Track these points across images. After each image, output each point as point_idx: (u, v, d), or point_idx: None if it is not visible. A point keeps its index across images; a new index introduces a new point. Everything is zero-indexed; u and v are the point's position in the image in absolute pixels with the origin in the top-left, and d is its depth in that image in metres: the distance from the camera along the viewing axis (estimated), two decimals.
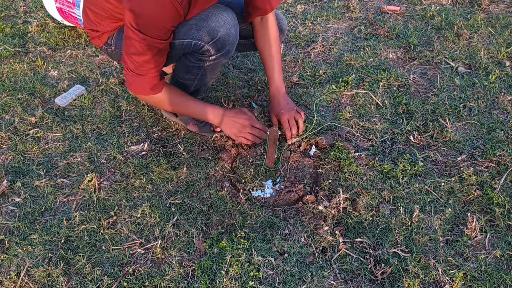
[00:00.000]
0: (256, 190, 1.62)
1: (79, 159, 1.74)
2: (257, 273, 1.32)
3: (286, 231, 1.46)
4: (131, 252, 1.41)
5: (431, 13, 2.60)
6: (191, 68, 1.61)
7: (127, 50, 1.43)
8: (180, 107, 1.63)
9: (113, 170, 1.69)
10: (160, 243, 1.42)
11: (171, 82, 1.77)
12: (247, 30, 1.78)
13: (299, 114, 1.77)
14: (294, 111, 1.77)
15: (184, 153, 1.75)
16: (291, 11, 2.74)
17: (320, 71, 2.16)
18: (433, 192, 1.56)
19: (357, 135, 1.81)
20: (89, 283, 1.32)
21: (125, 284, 1.31)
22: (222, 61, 1.60)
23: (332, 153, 1.69)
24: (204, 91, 1.81)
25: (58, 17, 2.46)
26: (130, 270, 1.35)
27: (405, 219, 1.46)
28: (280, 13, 1.86)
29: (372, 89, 2.04)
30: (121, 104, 2.00)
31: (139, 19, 1.33)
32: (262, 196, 1.60)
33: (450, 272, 1.32)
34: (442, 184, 1.58)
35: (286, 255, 1.39)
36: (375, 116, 1.90)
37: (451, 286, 1.28)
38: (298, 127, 1.76)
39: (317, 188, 1.60)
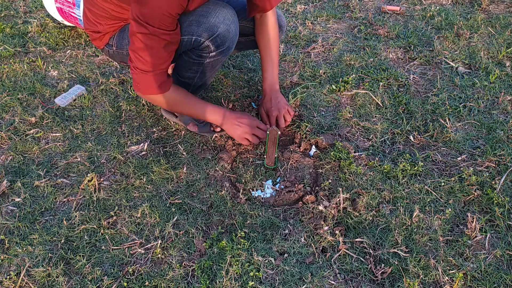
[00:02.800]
0: (256, 190, 1.62)
1: (79, 159, 1.74)
2: (257, 273, 1.32)
3: (286, 231, 1.46)
4: (131, 252, 1.41)
5: (431, 13, 2.60)
6: (191, 65, 1.61)
7: (132, 47, 1.41)
8: (185, 107, 1.63)
9: (113, 170, 1.69)
10: (160, 243, 1.42)
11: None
12: (247, 28, 1.78)
13: (288, 114, 1.81)
14: (284, 109, 1.80)
15: (184, 153, 1.75)
16: (291, 11, 2.74)
17: (320, 71, 2.16)
18: (433, 192, 1.56)
19: (357, 135, 1.81)
20: (89, 283, 1.32)
21: (125, 284, 1.31)
22: (222, 59, 1.61)
23: (332, 153, 1.69)
24: (203, 90, 1.81)
25: (58, 17, 2.46)
26: (130, 270, 1.35)
27: (405, 219, 1.46)
28: (279, 10, 1.86)
29: (372, 89, 2.04)
30: (121, 104, 2.00)
31: (144, 8, 1.32)
32: (262, 196, 1.60)
33: (450, 272, 1.32)
34: (442, 184, 1.58)
35: (286, 255, 1.39)
36: (375, 116, 1.90)
37: (451, 286, 1.28)
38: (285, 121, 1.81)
39: (317, 188, 1.60)
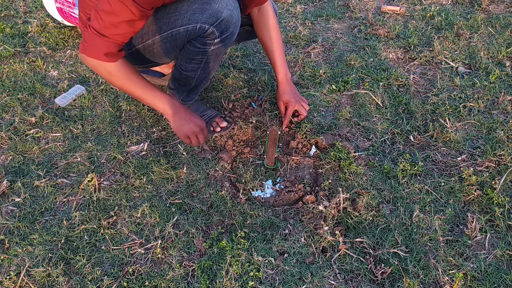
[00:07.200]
0: (256, 190, 1.62)
1: (79, 159, 1.74)
2: (257, 273, 1.32)
3: (286, 231, 1.46)
4: (131, 252, 1.41)
5: (431, 13, 2.60)
6: (195, 55, 1.59)
7: (98, 7, 1.33)
8: (130, 85, 1.51)
9: (113, 170, 1.69)
10: (160, 243, 1.42)
11: (172, 75, 1.75)
12: (243, 18, 1.78)
13: (305, 104, 1.88)
14: (301, 100, 1.87)
15: (184, 153, 1.75)
16: (291, 11, 2.74)
17: (320, 71, 2.16)
18: (433, 192, 1.56)
19: (357, 135, 1.81)
20: (89, 283, 1.32)
21: (125, 284, 1.31)
22: (225, 47, 1.60)
23: (332, 153, 1.69)
24: (204, 86, 1.80)
25: (58, 17, 2.46)
26: (130, 270, 1.35)
27: (405, 219, 1.46)
28: None
29: (372, 89, 2.04)
30: (121, 104, 2.00)
31: None
32: (262, 196, 1.60)
33: (450, 272, 1.32)
34: (442, 184, 1.58)
35: (286, 255, 1.39)
36: (375, 116, 1.90)
37: (451, 286, 1.28)
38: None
39: (317, 188, 1.60)
